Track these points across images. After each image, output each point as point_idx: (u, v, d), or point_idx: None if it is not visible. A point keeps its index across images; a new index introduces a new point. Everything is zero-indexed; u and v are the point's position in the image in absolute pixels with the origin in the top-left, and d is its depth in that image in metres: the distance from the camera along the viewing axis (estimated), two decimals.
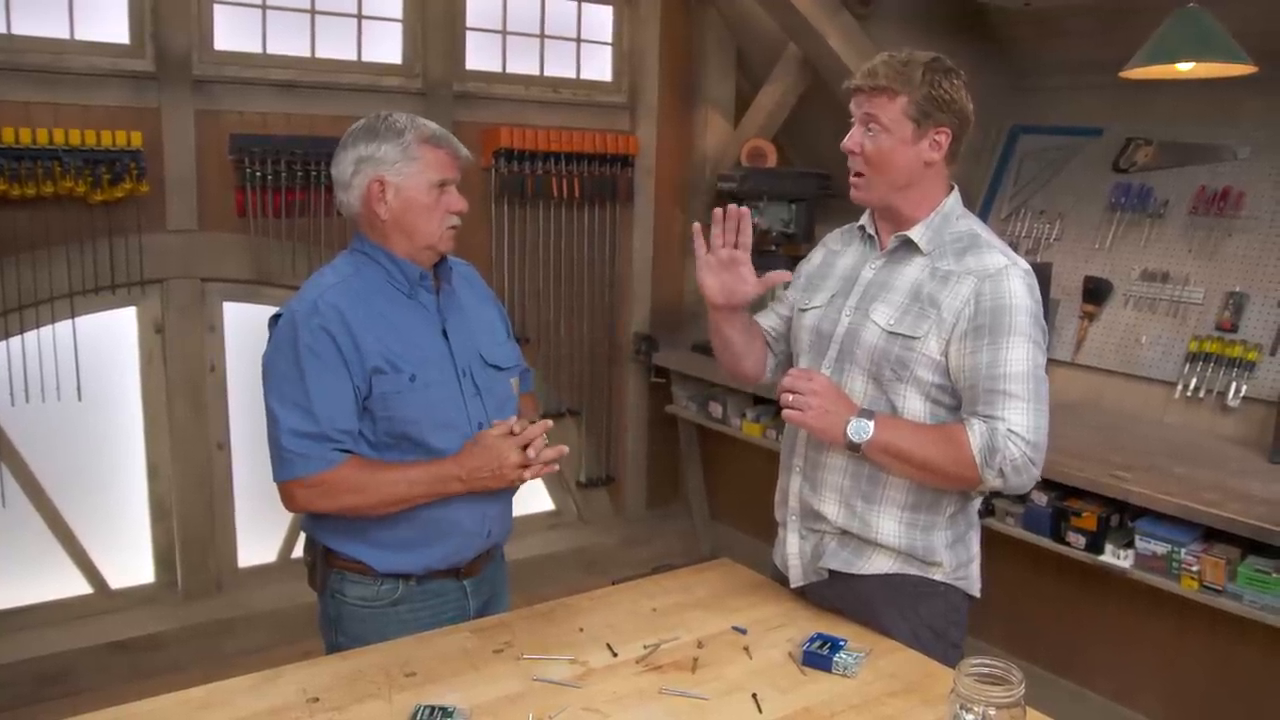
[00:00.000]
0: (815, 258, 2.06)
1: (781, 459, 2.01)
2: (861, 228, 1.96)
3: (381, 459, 1.85)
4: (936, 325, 1.77)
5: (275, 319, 1.88)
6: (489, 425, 1.92)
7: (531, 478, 1.88)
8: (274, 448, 1.81)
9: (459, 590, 1.97)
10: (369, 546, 1.88)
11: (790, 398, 1.77)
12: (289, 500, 1.84)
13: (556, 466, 1.89)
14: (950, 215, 1.85)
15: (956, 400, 1.80)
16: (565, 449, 1.89)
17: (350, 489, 1.81)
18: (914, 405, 1.81)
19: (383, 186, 1.85)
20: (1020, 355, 1.72)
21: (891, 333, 1.80)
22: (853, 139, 1.84)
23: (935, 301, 1.78)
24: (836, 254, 2.01)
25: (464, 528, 1.92)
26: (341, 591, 1.91)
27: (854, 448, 1.75)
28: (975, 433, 1.72)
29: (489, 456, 1.83)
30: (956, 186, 1.90)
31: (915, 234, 1.84)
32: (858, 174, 1.85)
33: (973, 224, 1.87)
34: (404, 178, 1.85)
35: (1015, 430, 1.70)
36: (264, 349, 1.87)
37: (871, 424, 1.74)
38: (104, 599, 3.55)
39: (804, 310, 1.99)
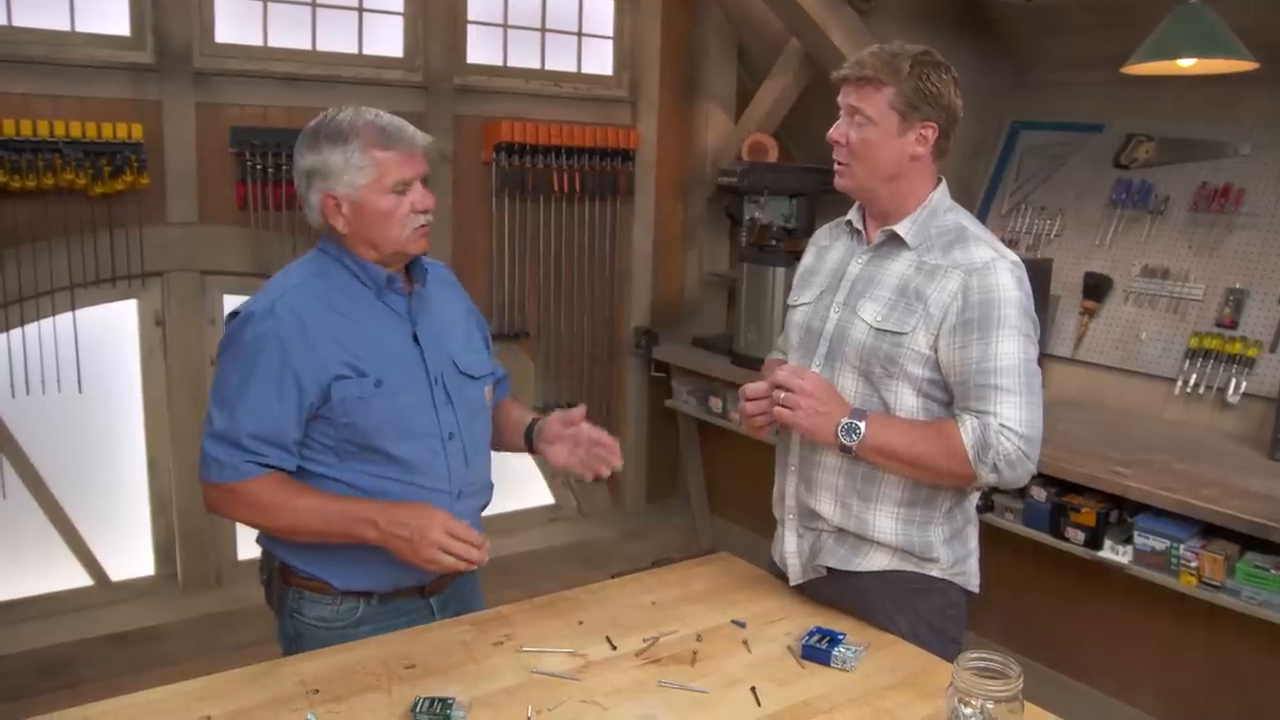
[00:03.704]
0: (807, 258, 2.05)
1: (777, 458, 2.01)
2: (849, 222, 1.95)
3: (334, 476, 1.75)
4: (924, 320, 1.76)
5: (233, 316, 1.78)
6: (460, 435, 1.84)
7: (446, 568, 1.69)
8: (201, 445, 1.74)
9: (425, 608, 1.89)
10: (328, 561, 1.78)
11: (782, 395, 1.77)
12: (204, 500, 1.77)
13: (467, 566, 1.71)
14: (937, 209, 1.85)
15: (949, 395, 1.80)
16: (484, 558, 1.71)
17: (253, 506, 1.72)
18: (907, 401, 1.80)
19: (336, 201, 1.73)
20: (1010, 349, 1.72)
21: (879, 329, 1.79)
22: (838, 129, 1.84)
23: (922, 296, 1.77)
24: (825, 249, 2.00)
25: None
26: (299, 611, 1.82)
27: (846, 449, 1.75)
28: (967, 429, 1.72)
29: (416, 520, 1.67)
30: (944, 179, 1.89)
31: (901, 229, 1.83)
32: (841, 162, 1.85)
33: (960, 217, 1.86)
34: (355, 190, 1.72)
35: (1007, 425, 1.70)
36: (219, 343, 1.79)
37: (863, 425, 1.73)
38: (104, 591, 3.56)
39: (793, 307, 1.99)
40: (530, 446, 2.03)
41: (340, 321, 1.75)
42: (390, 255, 1.80)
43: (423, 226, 1.80)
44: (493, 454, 2.01)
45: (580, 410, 1.95)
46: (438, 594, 1.91)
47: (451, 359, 1.87)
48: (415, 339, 1.82)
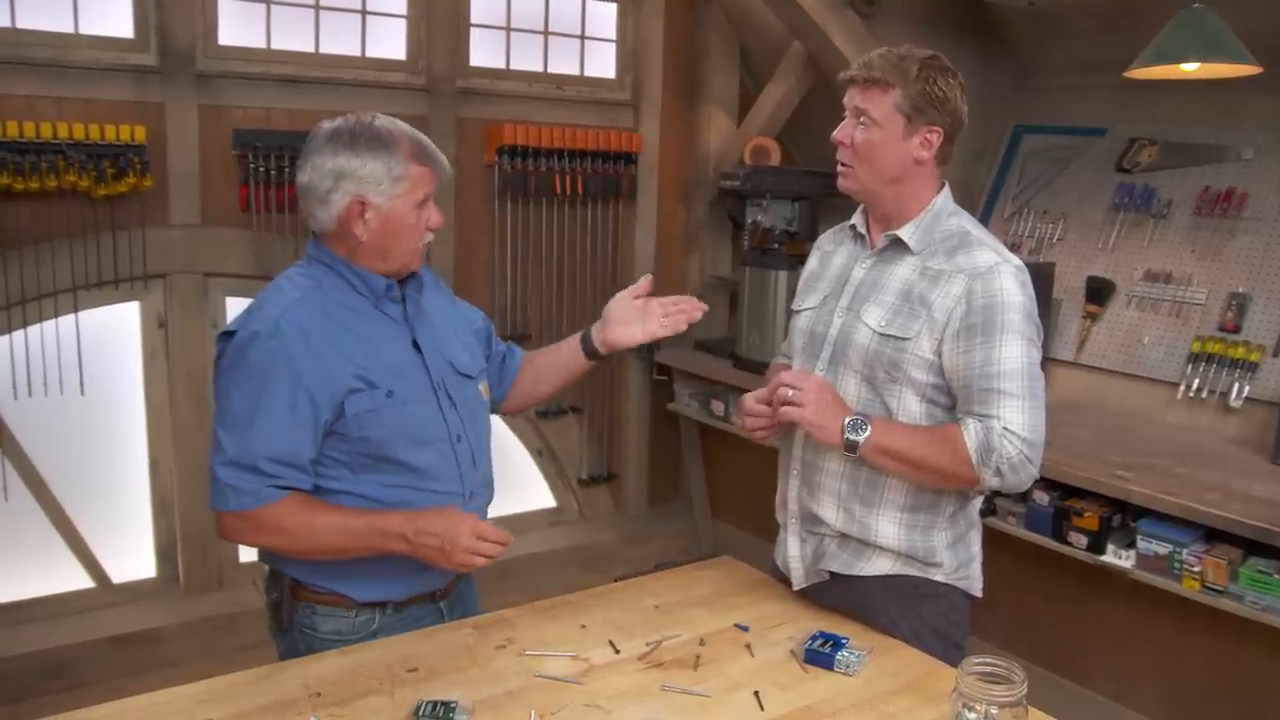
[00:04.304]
0: (811, 262, 2.05)
1: (780, 463, 2.01)
2: (853, 226, 1.95)
3: (349, 489, 1.74)
4: (928, 325, 1.76)
5: (227, 335, 1.72)
6: (467, 436, 1.84)
7: (477, 568, 1.73)
8: (210, 473, 1.69)
9: (436, 613, 1.89)
10: (347, 576, 1.76)
11: (790, 393, 1.77)
12: (219, 529, 1.73)
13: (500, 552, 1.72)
14: (940, 213, 1.85)
15: (953, 400, 1.79)
16: (511, 539, 1.73)
17: (276, 530, 1.69)
18: (910, 406, 1.80)
19: (364, 208, 1.71)
20: (1014, 353, 1.72)
21: (883, 334, 1.79)
22: (843, 130, 1.84)
23: (926, 301, 1.77)
24: (830, 254, 2.00)
25: None
26: (312, 626, 1.79)
27: (851, 447, 1.74)
28: (971, 432, 1.72)
29: (445, 526, 1.67)
30: (947, 183, 1.89)
31: (905, 233, 1.83)
32: (845, 164, 1.85)
33: (963, 221, 1.85)
34: (389, 200, 1.71)
35: (1011, 428, 1.70)
36: (216, 364, 1.74)
37: (869, 423, 1.74)
38: (106, 593, 3.56)
39: (797, 312, 1.99)
40: (593, 353, 2.08)
41: (344, 334, 1.73)
42: (397, 268, 1.80)
43: (427, 244, 1.82)
44: (495, 454, 2.01)
45: (648, 278, 2.04)
46: (447, 598, 1.91)
47: (449, 361, 1.87)
48: (415, 345, 1.82)
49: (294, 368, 1.67)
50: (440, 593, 1.89)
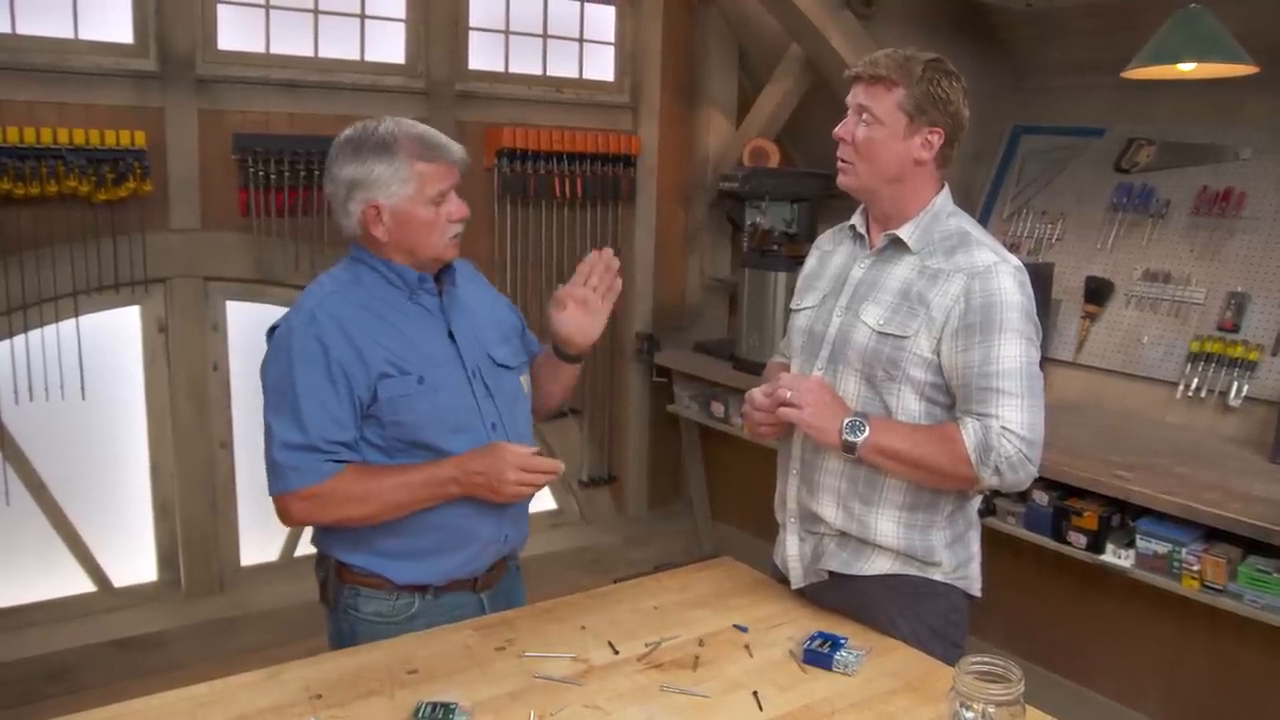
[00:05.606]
0: (810, 262, 2.06)
1: (779, 462, 2.02)
2: (852, 226, 1.96)
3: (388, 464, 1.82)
4: (926, 324, 1.77)
5: (273, 331, 1.84)
6: (502, 424, 1.90)
7: (525, 497, 1.87)
8: (268, 460, 1.78)
9: (476, 603, 1.94)
10: (385, 558, 1.84)
11: (789, 394, 1.78)
12: (285, 515, 1.80)
13: (550, 480, 1.88)
14: (940, 214, 1.85)
15: (952, 399, 1.80)
16: (560, 470, 1.88)
17: (346, 499, 1.77)
18: (909, 405, 1.81)
19: (378, 211, 1.79)
20: (1012, 352, 1.73)
21: (882, 333, 1.80)
22: (845, 127, 1.85)
23: (924, 300, 1.78)
24: (829, 254, 2.01)
25: (481, 534, 1.89)
26: (355, 607, 1.87)
27: (849, 448, 1.75)
28: (969, 431, 1.72)
29: (490, 463, 1.79)
30: (946, 184, 1.90)
31: (904, 233, 1.84)
32: (845, 160, 1.86)
33: (962, 221, 1.86)
34: (399, 200, 1.79)
35: (1009, 427, 1.71)
36: (261, 360, 1.84)
37: (866, 424, 1.74)
38: (107, 597, 3.56)
39: (796, 311, 2.00)
40: (563, 354, 2.09)
41: (378, 324, 1.81)
42: (427, 261, 1.86)
43: (456, 236, 1.87)
44: None
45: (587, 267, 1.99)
46: (488, 589, 1.96)
47: (487, 352, 1.94)
48: (450, 336, 1.88)
49: (330, 353, 1.76)
50: (481, 582, 1.94)
